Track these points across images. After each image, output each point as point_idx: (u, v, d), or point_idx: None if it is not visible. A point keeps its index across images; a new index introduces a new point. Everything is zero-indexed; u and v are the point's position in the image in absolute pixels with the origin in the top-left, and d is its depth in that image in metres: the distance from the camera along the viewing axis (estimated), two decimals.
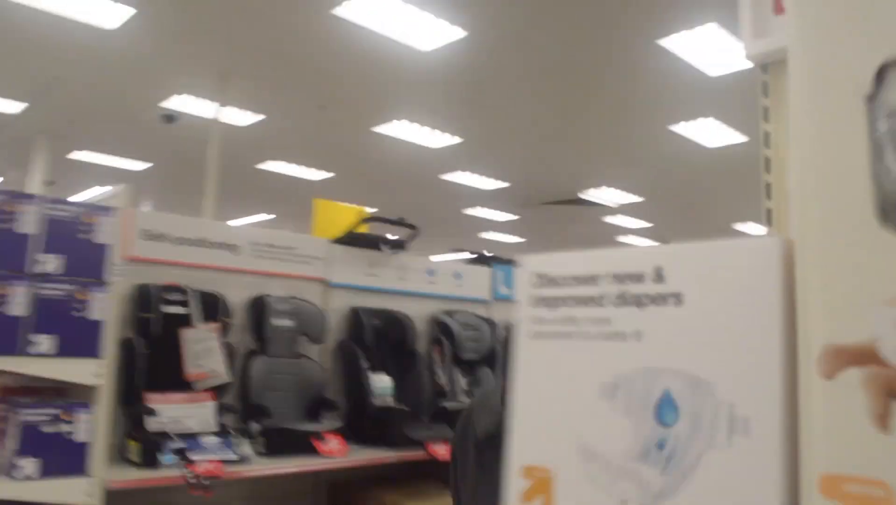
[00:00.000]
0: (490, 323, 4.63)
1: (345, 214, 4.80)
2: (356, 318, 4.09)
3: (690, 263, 0.69)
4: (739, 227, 15.68)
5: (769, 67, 1.23)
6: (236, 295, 3.64)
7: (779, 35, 1.19)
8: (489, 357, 4.58)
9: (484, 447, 2.13)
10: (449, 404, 4.11)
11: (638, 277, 0.71)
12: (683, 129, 9.45)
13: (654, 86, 8.05)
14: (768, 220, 1.21)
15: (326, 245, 4.09)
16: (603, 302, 0.75)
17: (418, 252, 15.82)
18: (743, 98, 8.40)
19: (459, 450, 2.26)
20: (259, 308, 3.68)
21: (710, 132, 9.57)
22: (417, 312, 4.39)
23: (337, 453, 3.33)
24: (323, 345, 3.92)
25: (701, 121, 9.16)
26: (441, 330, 4.44)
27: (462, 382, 4.44)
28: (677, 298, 0.67)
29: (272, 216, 15.39)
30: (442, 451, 3.74)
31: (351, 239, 4.19)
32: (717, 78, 7.68)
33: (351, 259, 4.16)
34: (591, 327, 0.76)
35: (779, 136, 1.22)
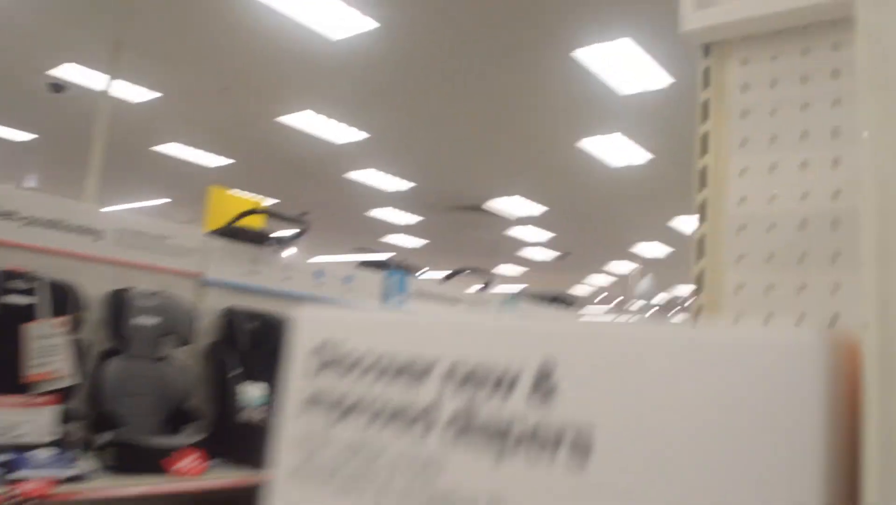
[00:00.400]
0: None
1: (240, 205, 4.42)
2: (231, 319, 3.73)
3: (610, 368, 0.32)
4: (639, 247, 15.88)
5: (712, 49, 0.99)
6: (95, 287, 3.22)
7: (729, 5, 0.94)
8: None
9: None
10: None
11: (506, 381, 0.35)
12: (590, 144, 9.39)
13: (564, 98, 7.94)
14: (700, 251, 0.97)
15: (203, 237, 3.71)
16: (430, 423, 0.38)
17: (317, 252, 15.44)
18: (651, 117, 8.40)
19: None
20: (118, 303, 3.28)
21: (616, 150, 9.55)
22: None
23: (191, 473, 2.96)
24: (191, 348, 3.54)
25: (608, 137, 9.12)
26: None
27: None
28: (579, 442, 0.32)
29: (167, 200, 14.66)
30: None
31: (232, 232, 3.82)
32: (626, 96, 7.62)
33: (231, 254, 3.79)
34: (389, 474, 0.39)
35: (720, 139, 0.98)
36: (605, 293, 23.64)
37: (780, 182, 0.93)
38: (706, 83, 0.98)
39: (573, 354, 0.33)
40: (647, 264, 15.75)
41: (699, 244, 0.97)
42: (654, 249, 16.22)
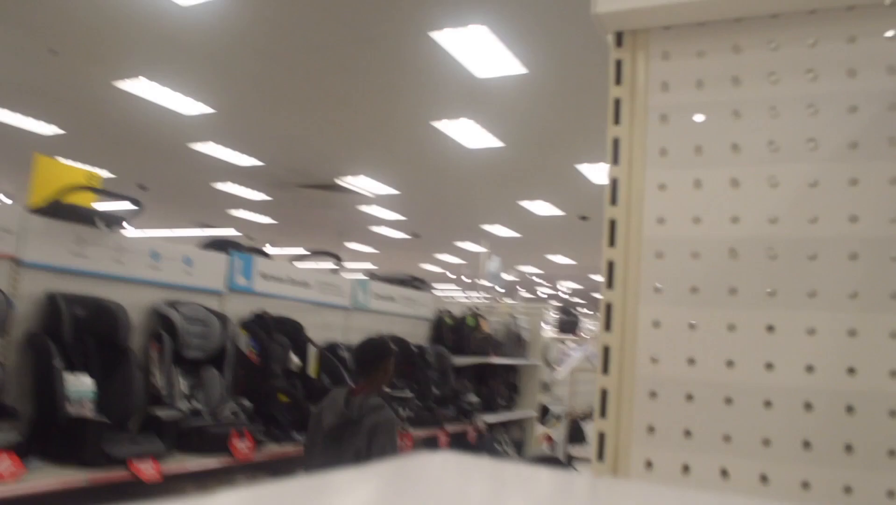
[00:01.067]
0: (221, 318, 4.03)
1: (71, 176, 3.93)
2: (53, 306, 3.31)
3: None
4: (488, 228, 16.05)
5: (625, 38, 0.82)
6: None
7: None
8: (218, 357, 3.97)
9: (329, 438, 3.50)
10: (164, 413, 3.46)
11: None
12: (445, 126, 9.29)
13: (420, 78, 7.76)
14: (609, 279, 0.81)
15: (21, 214, 3.26)
16: None
17: (157, 224, 14.53)
18: (504, 104, 8.39)
19: (310, 441, 3.69)
20: None
21: (469, 133, 9.50)
22: (136, 302, 3.68)
23: (3, 479, 2.59)
24: (7, 338, 3.11)
25: (462, 120, 9.04)
26: (162, 324, 3.77)
27: (183, 384, 3.80)
28: None
29: None
30: (149, 470, 3.11)
31: (56, 209, 3.39)
32: (483, 80, 7.54)
33: (54, 234, 3.36)
34: None
35: (633, 147, 0.82)
36: (452, 272, 23.87)
37: (707, 202, 0.78)
38: (618, 79, 0.82)
39: None
40: (496, 244, 15.96)
41: (608, 271, 0.81)
42: (502, 231, 16.47)
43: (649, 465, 0.78)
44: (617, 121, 0.83)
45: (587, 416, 9.05)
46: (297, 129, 9.95)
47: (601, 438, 0.80)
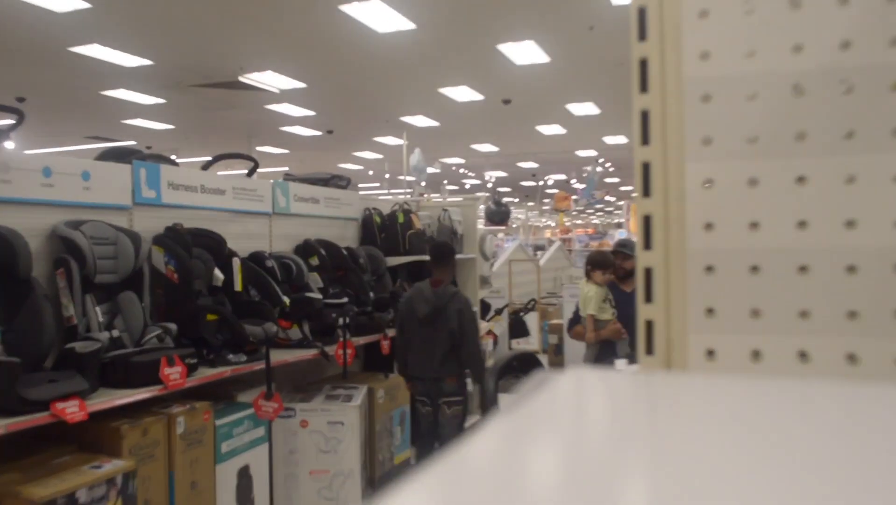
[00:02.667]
0: (132, 235, 3.80)
1: None
2: None
3: None
4: (407, 119, 15.76)
5: None
6: None
7: None
8: (133, 278, 3.76)
9: (423, 323, 4.70)
10: (81, 346, 3.28)
11: None
12: (353, 9, 8.89)
13: None
14: (643, 133, 0.69)
15: None
16: None
17: (43, 144, 13.86)
18: None
19: (406, 326, 4.96)
20: None
21: (379, 15, 9.14)
22: (30, 227, 3.42)
23: None
24: None
25: (372, 1, 8.66)
26: (65, 247, 3.53)
27: (98, 313, 3.59)
28: None
29: None
30: (75, 411, 2.95)
31: None
32: None
33: None
34: None
35: None
36: (373, 170, 23.57)
37: (761, 28, 0.67)
38: None
39: None
40: (415, 136, 15.74)
41: (641, 123, 0.69)
42: (422, 121, 16.21)
43: (711, 354, 0.69)
44: None
45: (528, 308, 9.16)
46: (189, 19, 9.38)
47: (649, 327, 0.70)
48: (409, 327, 5.18)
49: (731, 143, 0.67)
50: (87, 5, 8.56)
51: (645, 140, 0.69)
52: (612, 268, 5.74)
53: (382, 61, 11.37)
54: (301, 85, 12.70)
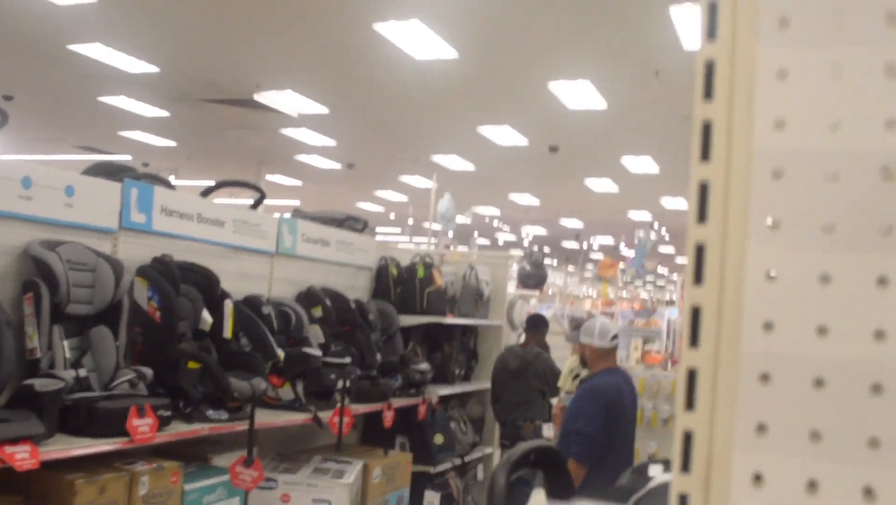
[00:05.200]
0: (114, 263, 3.82)
1: None
2: None
3: None
4: (439, 159, 15.88)
5: None
6: None
7: None
8: (109, 312, 3.78)
9: (513, 376, 6.89)
10: (41, 383, 3.27)
11: None
12: (389, 29, 9.03)
13: None
14: (700, 209, 0.68)
15: None
16: None
17: (30, 149, 14.10)
18: (461, 3, 8.17)
19: (499, 379, 7.00)
20: None
21: (418, 39, 9.26)
22: (1, 242, 3.46)
23: None
24: None
25: (412, 22, 8.79)
26: (37, 270, 3.56)
27: (65, 347, 3.60)
28: None
29: None
30: (23, 457, 2.94)
31: None
32: None
33: None
34: None
35: (738, 14, 0.68)
36: (395, 214, 23.70)
37: (849, 97, 0.65)
38: None
39: None
40: (447, 180, 15.85)
41: (699, 198, 0.68)
42: (455, 163, 16.32)
43: (758, 479, 0.66)
44: None
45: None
46: (203, 24, 9.57)
47: (687, 439, 0.67)
48: (501, 379, 6.98)
49: (803, 230, 0.65)
50: (91, 0, 8.78)
51: (702, 217, 0.67)
52: None
53: (417, 91, 11.50)
54: (323, 110, 12.87)
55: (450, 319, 6.44)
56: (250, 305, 4.74)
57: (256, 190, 5.65)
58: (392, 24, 8.89)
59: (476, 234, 25.26)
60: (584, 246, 27.34)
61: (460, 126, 13.41)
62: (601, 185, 17.81)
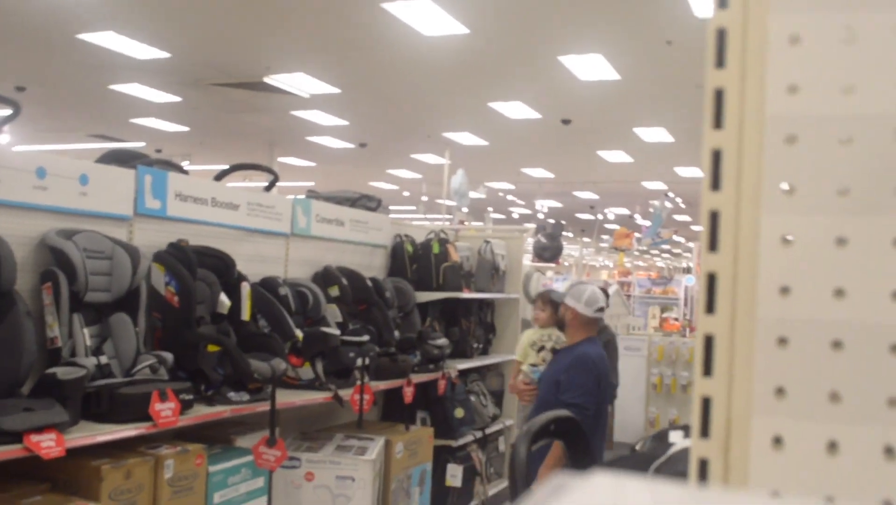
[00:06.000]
0: (131, 250, 3.85)
1: None
2: None
3: None
4: (451, 136, 15.84)
5: None
6: None
7: None
8: (127, 299, 3.81)
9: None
10: (62, 371, 3.31)
11: None
12: (397, 7, 8.99)
13: None
14: (714, 177, 0.68)
15: None
16: None
17: (42, 139, 14.16)
18: None
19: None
20: None
21: (427, 15, 9.22)
22: (18, 233, 3.48)
23: None
24: None
25: (417, 1, 8.74)
26: (55, 259, 3.59)
27: (85, 335, 3.63)
28: None
29: None
30: (51, 445, 2.97)
31: None
32: None
33: None
34: None
35: None
36: (409, 192, 23.69)
37: (863, 60, 0.65)
38: None
39: None
40: (460, 156, 15.81)
41: (712, 165, 0.68)
42: (468, 139, 16.28)
43: (778, 441, 0.66)
44: None
45: None
46: (212, 8, 9.55)
47: (705, 404, 0.68)
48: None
49: (818, 194, 0.65)
50: None
51: (715, 185, 0.67)
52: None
53: (427, 68, 11.46)
54: (334, 90, 12.85)
55: (466, 294, 6.46)
56: (267, 286, 4.76)
57: (269, 172, 5.66)
58: (400, 4, 8.85)
59: (490, 209, 25.20)
60: (599, 217, 27.26)
61: (472, 102, 13.37)
62: (615, 156, 17.74)
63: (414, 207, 25.57)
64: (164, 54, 11.28)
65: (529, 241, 12.18)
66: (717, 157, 0.68)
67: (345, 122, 15.31)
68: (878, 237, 0.64)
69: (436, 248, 6.45)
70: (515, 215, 29.51)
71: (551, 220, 15.65)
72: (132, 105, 14.34)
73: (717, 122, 0.68)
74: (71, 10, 9.50)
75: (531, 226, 13.15)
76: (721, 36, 0.67)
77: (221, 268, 4.38)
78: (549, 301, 5.69)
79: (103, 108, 14.70)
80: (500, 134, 15.64)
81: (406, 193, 24.44)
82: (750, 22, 0.67)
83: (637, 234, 22.75)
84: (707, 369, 0.68)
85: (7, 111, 3.98)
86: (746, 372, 0.67)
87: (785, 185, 0.67)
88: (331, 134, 16.49)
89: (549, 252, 17.21)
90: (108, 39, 10.64)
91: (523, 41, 10.23)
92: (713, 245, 0.67)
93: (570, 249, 28.82)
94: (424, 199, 21.75)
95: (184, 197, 4.42)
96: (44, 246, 3.60)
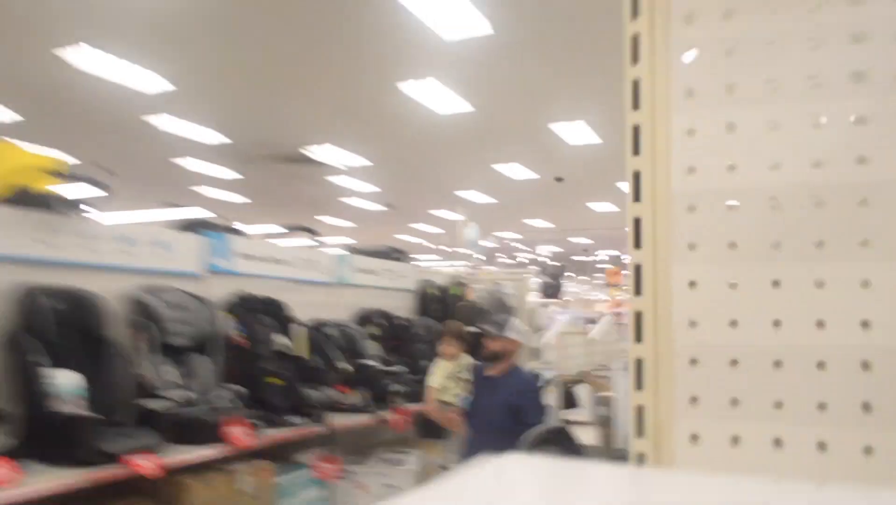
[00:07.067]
0: (203, 302, 3.94)
1: (27, 162, 3.76)
2: (30, 301, 3.21)
3: None
4: (463, 194, 15.95)
5: None
6: None
7: None
8: (203, 343, 3.89)
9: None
10: (157, 405, 3.39)
11: None
12: (412, 90, 9.13)
13: (385, 42, 7.61)
14: (636, 238, 0.75)
15: None
16: None
17: (124, 207, 14.15)
18: (473, 66, 8.26)
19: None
20: None
21: (439, 97, 9.36)
22: (111, 291, 3.58)
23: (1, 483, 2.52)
24: None
25: (430, 83, 8.89)
26: (142, 311, 3.68)
27: (172, 373, 3.71)
28: None
29: None
30: (149, 465, 3.03)
31: (19, 199, 3.26)
32: (450, 42, 7.41)
33: (16, 224, 3.24)
34: None
35: (656, 89, 0.76)
36: (431, 243, 23.78)
37: (742, 147, 0.72)
38: (635, 12, 0.74)
39: None
40: (473, 211, 15.91)
41: (634, 229, 0.75)
42: (477, 197, 16.38)
43: (695, 438, 0.73)
44: (635, 60, 0.75)
45: (578, 380, 9.06)
46: (260, 98, 9.74)
47: (640, 411, 0.74)
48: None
49: (713, 248, 0.72)
50: (170, 86, 8.98)
51: (637, 244, 0.74)
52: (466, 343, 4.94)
53: (441, 140, 11.59)
54: (364, 161, 13.00)
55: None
56: (317, 327, 4.83)
57: (315, 233, 5.76)
58: (412, 84, 8.99)
59: (497, 255, 25.23)
60: (593, 258, 27.19)
61: (479, 166, 13.48)
62: (602, 206, 17.77)
63: (438, 257, 25.64)
64: (226, 140, 11.48)
65: (535, 281, 12.19)
66: (637, 223, 0.75)
67: (376, 189, 15.45)
68: (760, 280, 0.71)
69: (454, 291, 6.51)
70: (525, 260, 29.49)
71: (554, 263, 15.66)
72: (194, 177, 14.51)
73: (637, 197, 0.75)
74: (141, 102, 9.67)
75: (535, 268, 13.18)
76: (636, 130, 0.75)
77: (279, 313, 4.47)
78: (458, 336, 4.97)
79: (169, 177, 14.88)
80: (505, 191, 15.73)
81: (429, 244, 24.49)
82: (657, 120, 0.74)
83: (624, 272, 22.67)
84: (639, 385, 0.74)
85: (98, 191, 4.10)
86: (668, 386, 0.73)
87: (688, 243, 0.74)
88: (363, 197, 16.62)
89: (551, 290, 17.18)
90: (174, 125, 10.83)
91: (518, 113, 10.35)
92: (638, 290, 0.74)
93: (570, 287, 28.68)
94: (446, 248, 21.80)
95: (244, 256, 4.52)
96: (133, 300, 3.69)
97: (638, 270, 0.73)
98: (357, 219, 19.70)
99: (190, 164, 13.39)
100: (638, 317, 0.74)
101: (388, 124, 10.74)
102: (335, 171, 13.74)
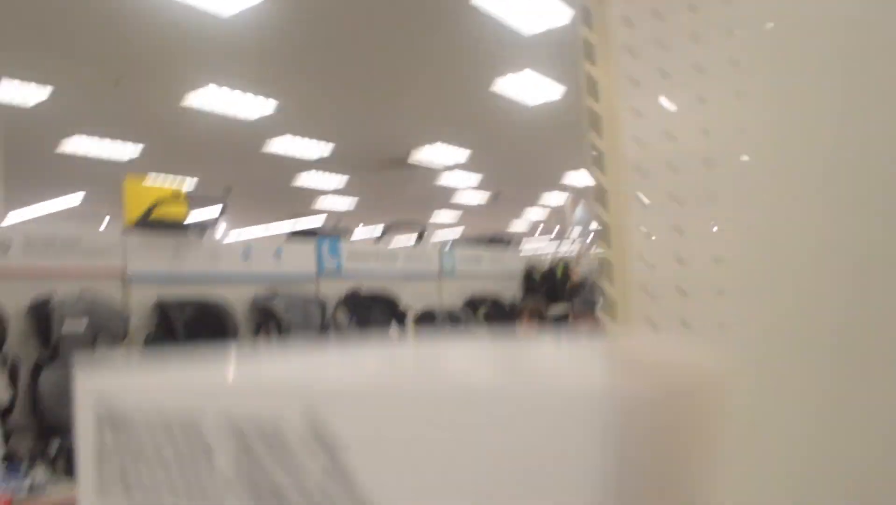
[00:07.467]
0: (318, 301, 4.27)
1: (157, 193, 4.22)
2: (164, 311, 3.61)
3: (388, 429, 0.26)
4: (570, 176, 15.95)
5: None
6: (11, 300, 3.08)
7: None
8: (321, 336, 4.21)
9: None
10: None
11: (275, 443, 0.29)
12: (505, 86, 9.29)
13: (471, 44, 7.82)
14: (602, 202, 0.93)
15: (120, 232, 3.56)
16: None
17: (248, 223, 14.92)
18: (559, 52, 8.34)
19: None
20: (42, 312, 3.14)
21: (530, 87, 9.46)
22: (235, 298, 3.95)
23: None
24: (125, 346, 3.42)
25: (520, 76, 9.01)
26: (265, 315, 4.04)
27: None
28: None
29: (81, 197, 14.01)
30: None
31: (151, 223, 3.68)
32: (532, 36, 7.53)
33: (151, 246, 3.66)
34: None
35: (609, 83, 0.93)
36: (542, 226, 23.81)
37: (678, 120, 0.89)
38: (588, 22, 0.92)
39: (345, 414, 0.28)
40: (579, 192, 15.87)
41: (600, 196, 0.93)
42: (582, 177, 16.32)
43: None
44: (591, 60, 0.93)
45: None
46: (363, 108, 10.16)
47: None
48: None
49: (660, 202, 0.89)
50: (277, 107, 9.51)
51: (604, 206, 0.92)
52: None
53: (537, 129, 11.69)
54: (466, 154, 13.25)
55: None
56: (426, 315, 5.10)
57: (419, 227, 6.04)
58: (509, 79, 9.14)
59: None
60: None
61: (578, 147, 13.45)
62: None
63: (547, 239, 25.60)
64: (331, 147, 11.99)
65: None
66: (601, 191, 0.92)
67: (481, 181, 15.68)
68: (699, 225, 0.87)
69: (559, 272, 6.65)
70: None
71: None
72: (313, 192, 15.16)
73: (602, 170, 0.92)
74: (255, 129, 10.28)
75: None
76: (593, 116, 0.92)
77: (391, 305, 4.76)
78: (536, 314, 5.55)
79: (291, 197, 15.59)
80: None
81: (539, 227, 24.52)
82: (613, 105, 0.91)
83: None
84: (612, 317, 0.92)
85: (217, 210, 4.50)
86: (634, 316, 0.90)
87: (643, 202, 0.90)
88: (470, 189, 16.88)
89: None
90: (286, 146, 11.42)
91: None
92: (608, 244, 0.92)
93: None
94: (554, 231, 21.76)
95: (354, 256, 4.84)
96: (255, 305, 4.06)
97: (606, 227, 0.91)
98: (467, 211, 20.01)
99: (305, 179, 14.03)
100: (608, 265, 0.92)
101: (487, 121, 10.94)
102: (440, 170, 14.05)
